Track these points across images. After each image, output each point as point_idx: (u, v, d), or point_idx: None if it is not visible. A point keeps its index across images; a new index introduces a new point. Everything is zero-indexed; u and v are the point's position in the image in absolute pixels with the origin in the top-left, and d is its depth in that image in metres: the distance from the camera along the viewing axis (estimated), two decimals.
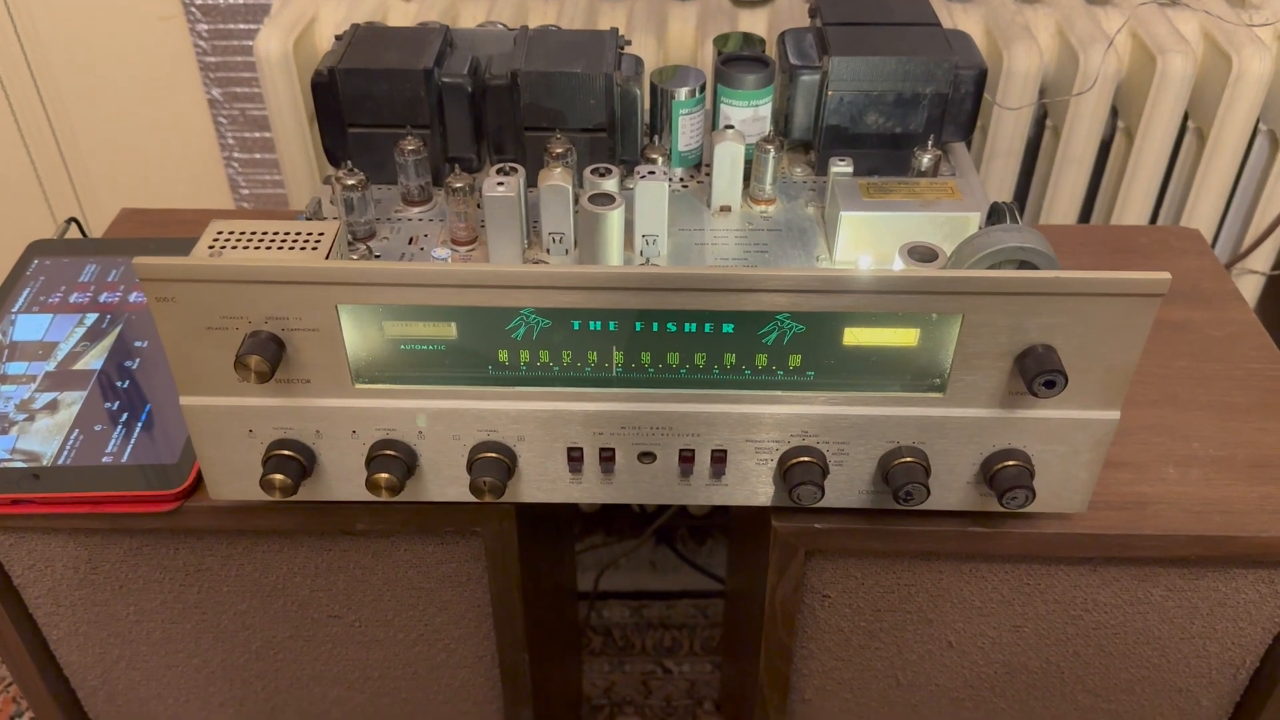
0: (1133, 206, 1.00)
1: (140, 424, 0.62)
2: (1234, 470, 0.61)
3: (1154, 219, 1.04)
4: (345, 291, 0.49)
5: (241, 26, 1.20)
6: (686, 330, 0.51)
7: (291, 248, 0.51)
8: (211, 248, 0.51)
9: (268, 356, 0.49)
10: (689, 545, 1.35)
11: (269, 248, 0.51)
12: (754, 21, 1.00)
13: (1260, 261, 1.03)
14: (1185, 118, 0.98)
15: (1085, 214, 1.05)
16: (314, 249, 0.51)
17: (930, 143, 0.66)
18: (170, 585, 0.65)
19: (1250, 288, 1.05)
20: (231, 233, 0.51)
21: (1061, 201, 1.01)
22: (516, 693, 0.70)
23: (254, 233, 0.52)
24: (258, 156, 1.30)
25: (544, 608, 0.82)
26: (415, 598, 0.65)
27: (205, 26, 1.20)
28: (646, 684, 1.20)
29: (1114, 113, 1.00)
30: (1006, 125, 0.96)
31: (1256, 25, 0.90)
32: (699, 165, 0.71)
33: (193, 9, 1.19)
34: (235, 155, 1.30)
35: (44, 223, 1.36)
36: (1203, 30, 0.95)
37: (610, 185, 0.60)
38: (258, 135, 1.28)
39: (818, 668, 0.67)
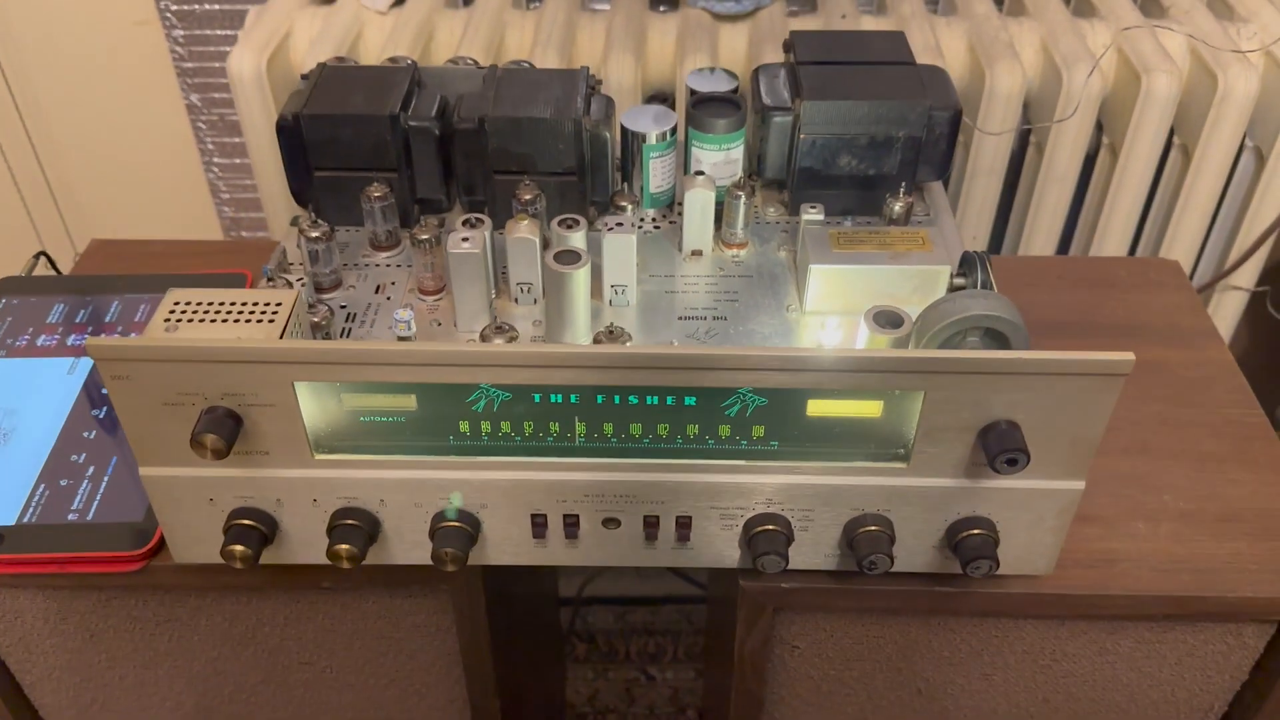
0: (1116, 223, 0.99)
1: (107, 478, 0.61)
2: (1203, 525, 0.61)
3: (1138, 235, 1.03)
4: (301, 369, 0.48)
5: (218, 33, 1.18)
6: (649, 403, 0.50)
7: (249, 320, 0.50)
8: (168, 320, 0.50)
9: (224, 434, 0.48)
10: None
11: (225, 320, 0.50)
12: (734, 35, 0.98)
13: (1244, 279, 1.02)
14: (1170, 134, 0.97)
15: (1069, 230, 1.05)
16: (270, 322, 0.50)
17: (903, 190, 0.65)
18: (140, 634, 0.65)
19: (1233, 304, 1.04)
20: (188, 304, 0.51)
21: (1045, 218, 1.00)
22: None
23: (210, 304, 0.51)
24: (237, 161, 1.29)
25: (518, 633, 0.82)
26: (385, 646, 0.66)
27: (181, 32, 1.18)
28: (630, 692, 1.21)
29: (1098, 127, 0.99)
30: (988, 145, 0.95)
31: (1245, 50, 0.89)
32: (671, 205, 0.70)
33: (168, 14, 1.17)
34: (215, 160, 1.29)
35: (20, 225, 1.35)
36: (1189, 48, 0.94)
37: (577, 239, 0.59)
38: (237, 140, 1.27)
39: (788, 713, 0.67)
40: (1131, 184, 0.96)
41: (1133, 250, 1.04)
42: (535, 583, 0.96)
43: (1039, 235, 1.01)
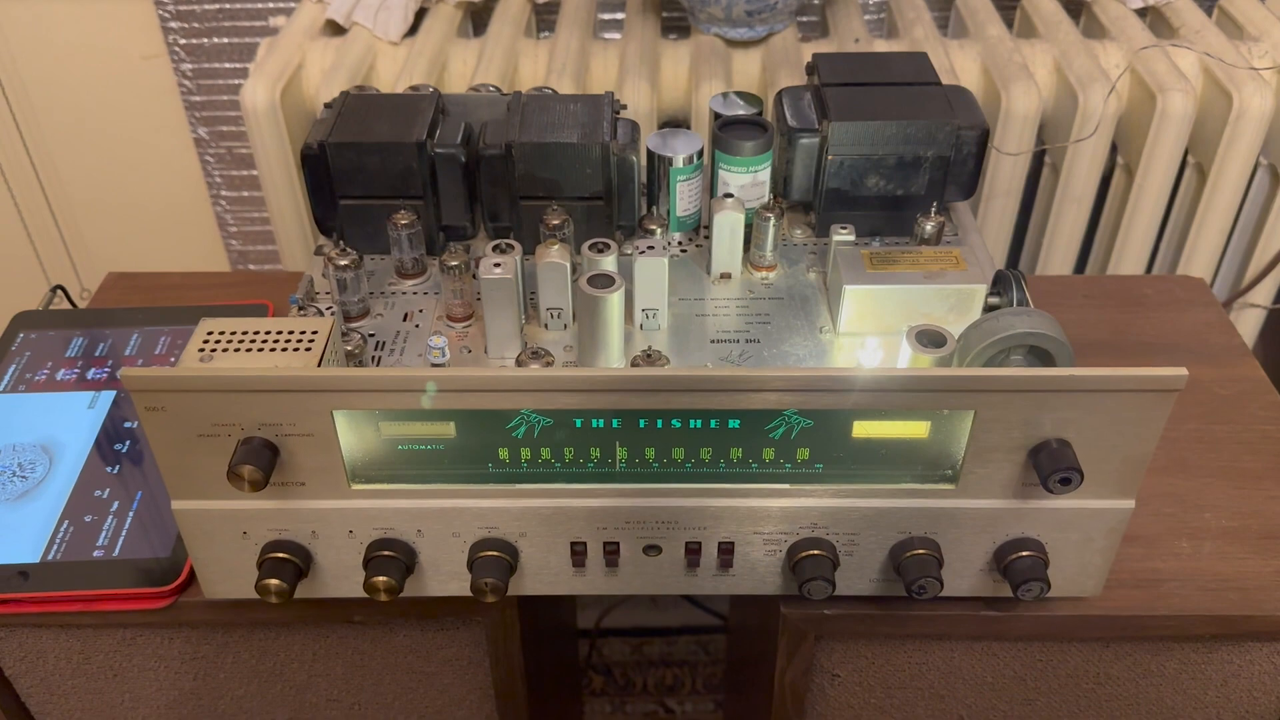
0: (1133, 242, 0.99)
1: (132, 513, 0.60)
2: (1247, 542, 0.60)
3: (1154, 254, 1.03)
4: (339, 397, 0.47)
5: (226, 66, 1.18)
6: (691, 426, 0.50)
7: (284, 349, 0.49)
8: (201, 350, 0.49)
9: (261, 465, 0.47)
10: None
11: (260, 349, 0.49)
12: (747, 61, 0.98)
13: (1262, 296, 1.02)
14: (1185, 153, 0.97)
15: (1085, 249, 1.04)
16: (307, 350, 0.49)
17: (934, 209, 0.65)
18: (165, 673, 0.63)
19: (1251, 322, 1.04)
20: (222, 333, 0.50)
21: (1061, 238, 1.00)
22: None
23: (245, 333, 0.50)
24: (245, 194, 1.28)
25: (545, 667, 0.81)
26: (415, 681, 0.64)
27: (190, 66, 1.18)
28: None
29: (1113, 148, 0.99)
30: (1005, 165, 0.95)
31: (1259, 68, 0.89)
32: (697, 228, 0.70)
33: (176, 49, 1.17)
34: (223, 193, 1.28)
35: (28, 261, 1.34)
36: (1202, 67, 0.94)
37: (609, 263, 0.59)
38: (245, 173, 1.26)
39: None
40: (1148, 203, 0.96)
41: (1149, 270, 1.03)
42: (558, 615, 0.94)
43: (1056, 256, 1.01)
